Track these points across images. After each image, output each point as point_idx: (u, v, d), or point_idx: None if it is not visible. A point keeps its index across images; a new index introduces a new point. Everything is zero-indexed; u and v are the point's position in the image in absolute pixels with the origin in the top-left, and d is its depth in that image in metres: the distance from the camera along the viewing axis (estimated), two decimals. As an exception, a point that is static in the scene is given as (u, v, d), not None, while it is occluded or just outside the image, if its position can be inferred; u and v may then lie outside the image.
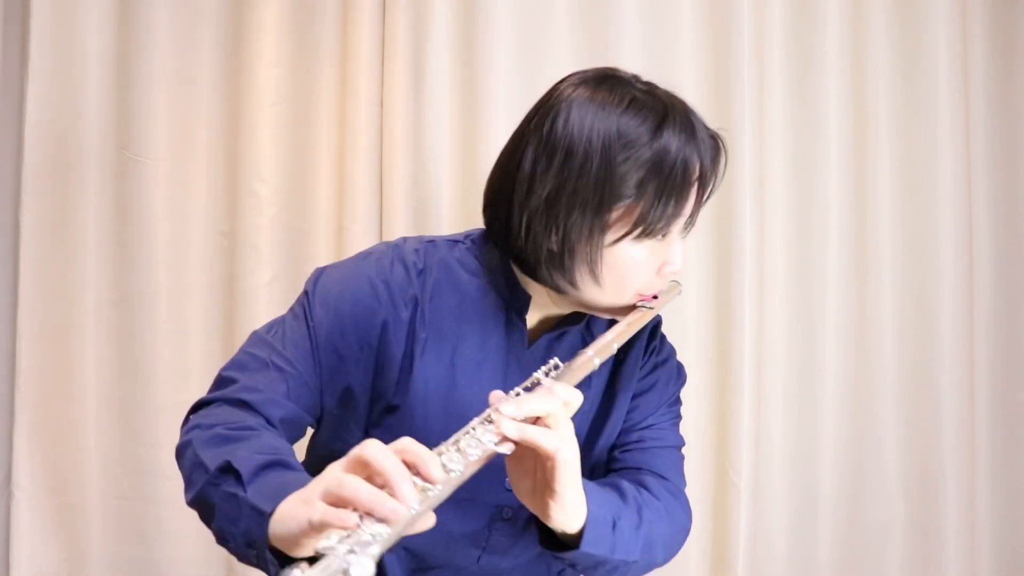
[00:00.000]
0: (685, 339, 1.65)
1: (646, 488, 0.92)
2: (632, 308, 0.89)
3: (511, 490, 0.83)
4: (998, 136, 1.77)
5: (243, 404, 0.81)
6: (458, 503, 0.89)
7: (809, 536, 1.71)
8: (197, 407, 0.84)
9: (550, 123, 0.83)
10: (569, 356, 0.84)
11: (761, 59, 1.66)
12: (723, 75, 1.63)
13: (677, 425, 1.03)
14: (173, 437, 0.89)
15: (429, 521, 0.64)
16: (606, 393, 0.97)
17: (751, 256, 1.61)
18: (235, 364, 0.86)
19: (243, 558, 0.71)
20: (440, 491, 0.65)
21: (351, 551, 0.57)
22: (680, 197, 0.82)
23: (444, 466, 0.66)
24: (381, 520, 0.60)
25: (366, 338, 0.88)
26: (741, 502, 1.62)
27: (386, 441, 0.69)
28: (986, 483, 1.78)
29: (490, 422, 0.70)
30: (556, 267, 0.85)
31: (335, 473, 0.65)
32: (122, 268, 1.63)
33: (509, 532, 0.95)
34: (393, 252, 0.93)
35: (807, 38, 1.68)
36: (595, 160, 0.79)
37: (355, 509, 0.61)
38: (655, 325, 1.02)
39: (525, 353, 0.92)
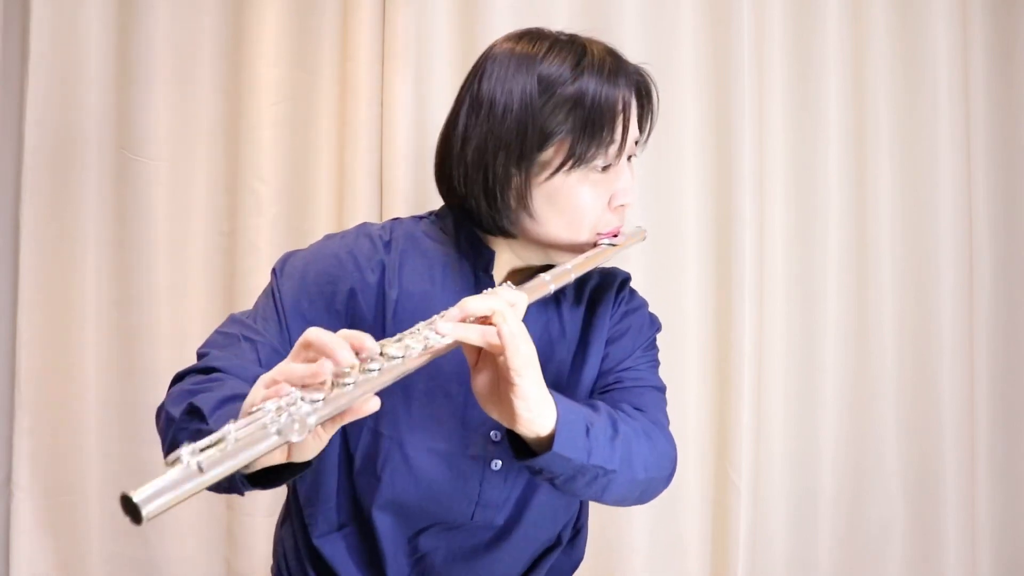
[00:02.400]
0: (685, 339, 1.65)
1: (621, 410, 0.91)
2: (594, 246, 0.92)
3: (498, 442, 0.85)
4: (998, 136, 1.77)
5: (215, 370, 0.83)
6: (447, 458, 0.90)
7: (809, 536, 1.71)
8: (173, 383, 0.85)
9: (478, 81, 0.89)
10: (540, 309, 0.89)
11: (761, 59, 1.66)
12: (723, 75, 1.63)
13: (655, 369, 1.03)
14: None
15: (372, 404, 0.65)
16: (580, 342, 0.99)
17: (751, 256, 1.61)
18: (209, 343, 0.88)
19: (214, 487, 0.73)
20: (380, 375, 0.65)
21: (280, 408, 0.58)
22: (606, 127, 0.86)
23: (385, 355, 0.67)
24: (319, 389, 0.61)
25: (333, 304, 0.90)
26: (741, 502, 1.62)
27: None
28: (986, 483, 1.78)
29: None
30: (495, 211, 0.89)
31: (277, 365, 0.67)
32: (122, 268, 1.63)
33: (500, 485, 0.95)
34: (358, 229, 0.98)
35: (807, 38, 1.69)
36: (516, 104, 0.85)
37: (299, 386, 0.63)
38: (623, 280, 1.05)
39: None
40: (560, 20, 1.62)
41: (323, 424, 0.67)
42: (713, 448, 1.67)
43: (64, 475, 1.63)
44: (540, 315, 0.97)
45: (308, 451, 0.70)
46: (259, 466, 0.70)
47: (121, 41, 1.62)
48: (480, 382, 0.77)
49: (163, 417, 0.80)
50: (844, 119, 1.69)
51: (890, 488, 1.72)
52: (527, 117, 0.85)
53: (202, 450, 0.54)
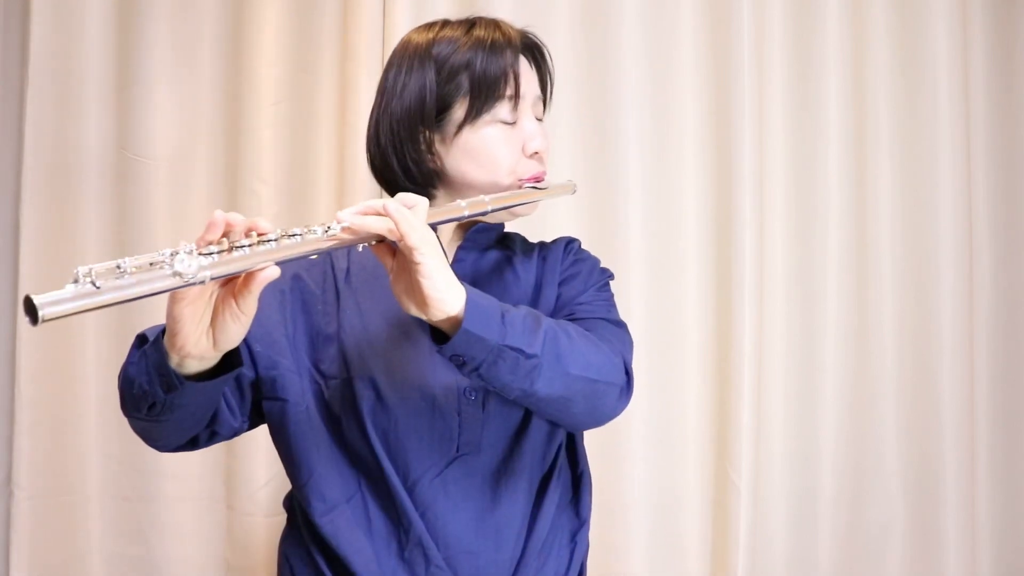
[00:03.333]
0: (685, 339, 1.65)
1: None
2: (518, 189, 0.99)
3: (466, 375, 0.86)
4: (998, 136, 1.77)
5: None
6: (422, 397, 0.94)
7: (809, 536, 1.71)
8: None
9: (385, 73, 1.00)
10: (492, 269, 0.98)
11: (761, 59, 1.66)
12: (723, 75, 1.63)
13: (609, 307, 1.04)
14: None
15: (270, 271, 0.72)
16: (534, 287, 1.03)
17: (751, 256, 1.61)
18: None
19: (152, 393, 0.79)
20: (277, 247, 0.72)
21: (175, 252, 0.66)
22: (499, 82, 0.95)
23: (285, 234, 0.74)
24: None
25: (279, 285, 0.94)
26: (741, 502, 1.62)
27: (339, 363, 0.93)
28: (986, 483, 1.78)
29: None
30: (416, 172, 0.98)
31: None
32: (122, 268, 1.63)
33: (479, 421, 0.96)
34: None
35: (807, 38, 1.69)
36: (416, 66, 0.95)
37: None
38: (572, 239, 1.10)
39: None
40: (560, 20, 1.62)
41: (238, 298, 0.74)
42: (713, 448, 1.67)
43: (64, 475, 1.64)
44: (493, 266, 1.02)
45: (231, 334, 0.76)
46: (191, 360, 0.77)
47: (121, 41, 1.62)
48: (397, 283, 0.80)
49: (120, 373, 0.85)
50: (844, 119, 1.69)
51: (890, 488, 1.72)
52: (426, 89, 0.95)
53: (98, 272, 0.62)
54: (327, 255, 0.99)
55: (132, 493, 1.64)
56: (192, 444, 0.95)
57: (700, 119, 1.66)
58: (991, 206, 1.78)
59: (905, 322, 1.71)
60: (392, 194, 0.97)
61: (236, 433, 0.97)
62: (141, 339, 0.84)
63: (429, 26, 1.00)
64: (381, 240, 0.79)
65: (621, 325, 1.02)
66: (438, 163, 0.97)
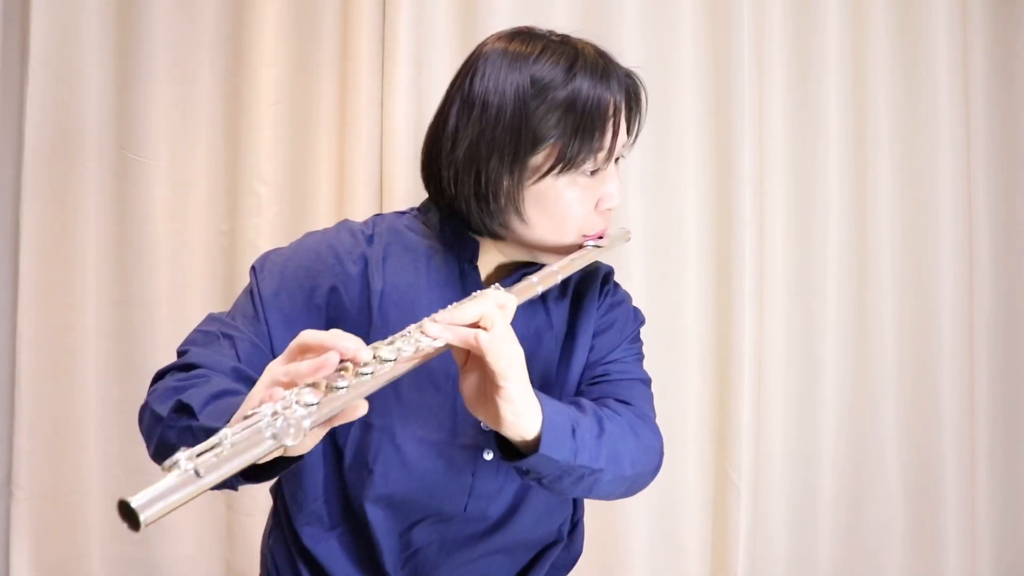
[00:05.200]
0: (685, 339, 1.65)
1: (607, 407, 0.92)
2: (579, 248, 0.93)
3: (489, 430, 0.85)
4: (998, 136, 1.77)
5: (195, 366, 0.82)
6: (438, 448, 0.91)
7: (809, 536, 1.71)
8: (154, 381, 0.85)
9: (469, 80, 0.89)
10: (526, 303, 0.89)
11: (761, 59, 1.66)
12: (723, 75, 1.63)
13: (640, 362, 1.04)
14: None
15: (361, 408, 0.66)
16: (567, 334, 1.00)
17: (751, 256, 1.61)
18: (188, 340, 0.89)
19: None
20: (372, 378, 0.66)
21: (275, 413, 0.59)
22: (597, 131, 0.87)
23: (378, 358, 0.68)
24: (314, 391, 0.63)
25: (312, 299, 0.90)
26: (741, 502, 1.62)
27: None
28: (986, 483, 1.78)
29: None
30: (485, 212, 0.89)
31: (272, 366, 0.68)
32: (122, 268, 1.63)
33: (493, 476, 0.95)
34: (339, 225, 0.98)
35: (807, 38, 1.69)
36: (509, 107, 0.86)
37: (291, 385, 0.64)
38: (607, 274, 1.06)
39: None
40: (560, 20, 1.62)
41: (323, 426, 0.67)
42: (713, 448, 1.67)
43: (64, 475, 1.63)
44: (526, 308, 0.97)
45: (300, 449, 0.70)
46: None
47: (121, 41, 1.62)
48: (468, 384, 0.78)
49: (147, 415, 0.80)
50: (844, 119, 1.69)
51: (890, 488, 1.72)
52: (520, 120, 0.86)
53: (199, 455, 0.55)
54: (364, 261, 0.93)
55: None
56: None
57: (700, 119, 1.66)
58: (991, 206, 1.78)
59: (905, 322, 1.71)
60: (438, 206, 0.94)
61: None
62: (182, 407, 0.75)
63: (524, 39, 0.90)
64: None
65: (648, 382, 1.02)
66: (516, 209, 0.89)
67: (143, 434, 0.81)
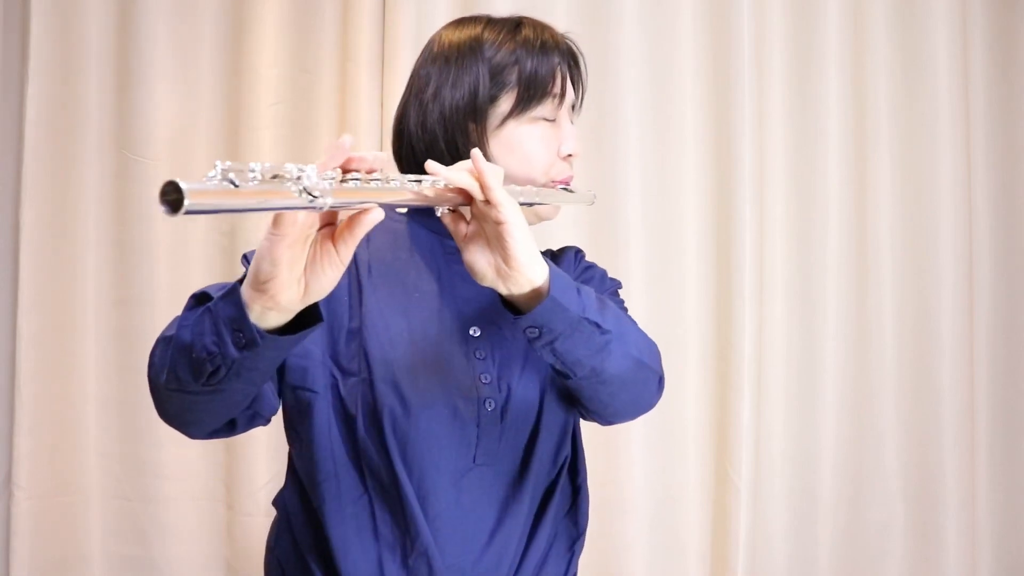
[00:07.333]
0: (685, 339, 1.65)
1: None
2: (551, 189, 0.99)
3: (488, 382, 0.89)
4: (998, 136, 1.77)
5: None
6: (444, 405, 0.92)
7: (809, 536, 1.71)
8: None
9: (427, 54, 1.00)
10: None
11: (761, 59, 1.66)
12: (723, 75, 1.63)
13: (626, 311, 1.05)
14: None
15: (376, 213, 0.69)
16: None
17: (751, 256, 1.61)
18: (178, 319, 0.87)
19: (220, 354, 0.73)
20: (382, 184, 0.68)
21: (302, 168, 0.59)
22: (548, 75, 0.96)
23: (387, 179, 0.70)
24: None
25: None
26: (741, 502, 1.62)
27: (360, 361, 0.90)
28: (986, 483, 1.78)
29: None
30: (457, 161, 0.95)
31: None
32: (122, 268, 1.63)
33: (497, 431, 0.95)
34: None
35: (807, 38, 1.69)
36: (467, 60, 0.96)
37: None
38: (578, 251, 1.10)
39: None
40: (560, 20, 1.61)
41: (338, 242, 0.70)
42: (713, 448, 1.67)
43: (64, 475, 1.63)
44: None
45: (325, 282, 0.71)
46: (275, 313, 0.71)
47: (121, 41, 1.62)
48: (471, 251, 0.79)
49: (156, 351, 0.80)
50: (844, 119, 1.69)
51: (890, 488, 1.72)
52: (478, 83, 0.95)
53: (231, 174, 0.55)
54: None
55: (132, 493, 1.64)
56: (230, 428, 0.89)
57: (700, 119, 1.66)
58: (991, 206, 1.78)
59: (905, 322, 1.71)
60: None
61: (273, 414, 0.94)
62: (199, 298, 0.78)
63: (472, 21, 1.00)
64: (453, 210, 0.79)
65: (632, 321, 1.02)
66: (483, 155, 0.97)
67: (152, 374, 0.80)
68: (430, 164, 0.78)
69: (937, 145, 1.69)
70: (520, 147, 0.97)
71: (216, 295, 0.75)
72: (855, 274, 1.71)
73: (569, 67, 1.01)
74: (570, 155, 1.00)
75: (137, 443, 1.63)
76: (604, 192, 1.63)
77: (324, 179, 0.62)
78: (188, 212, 0.52)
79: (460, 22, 1.01)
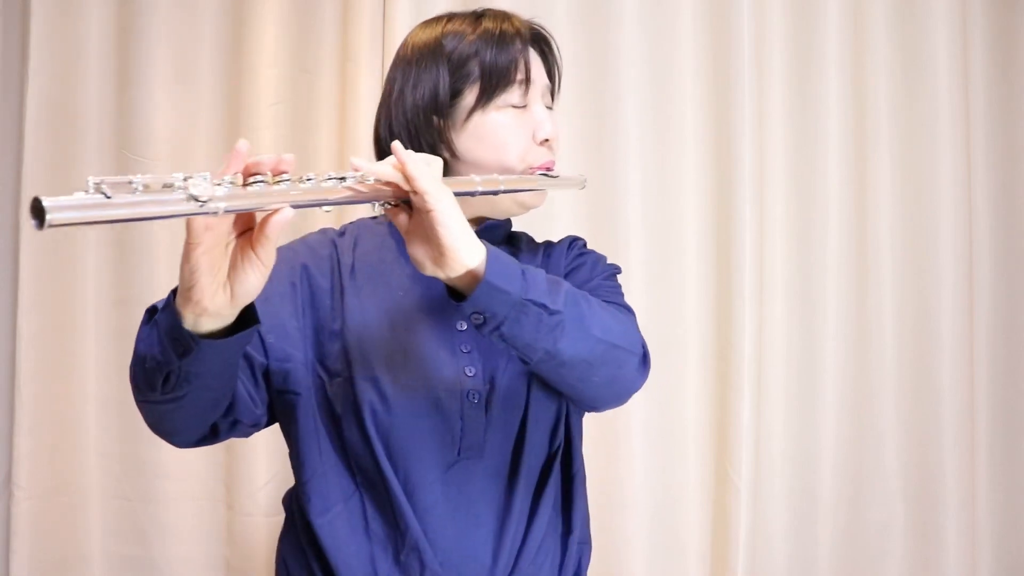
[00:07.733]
0: (685, 339, 1.65)
1: None
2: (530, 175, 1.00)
3: (472, 375, 0.90)
4: (998, 136, 1.77)
5: None
6: (425, 398, 0.93)
7: (809, 536, 1.71)
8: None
9: (395, 58, 1.01)
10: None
11: (761, 59, 1.66)
12: (723, 75, 1.63)
13: (618, 294, 1.06)
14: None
15: (285, 212, 0.71)
16: None
17: (751, 256, 1.61)
18: None
19: (165, 362, 0.78)
20: (290, 186, 0.70)
21: (189, 177, 0.62)
22: (510, 61, 0.96)
23: (301, 179, 0.72)
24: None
25: (289, 277, 0.95)
26: (741, 502, 1.62)
27: (342, 360, 0.92)
28: (986, 483, 1.78)
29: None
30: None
31: None
32: (122, 268, 1.63)
33: (482, 424, 0.95)
34: (312, 232, 1.06)
35: (807, 38, 1.69)
36: (427, 59, 0.96)
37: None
38: (575, 239, 1.09)
39: None
40: (560, 20, 1.62)
41: (256, 246, 0.72)
42: (713, 448, 1.67)
43: (64, 475, 1.64)
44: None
45: (250, 285, 0.74)
46: (206, 316, 0.74)
47: (121, 41, 1.62)
48: (412, 244, 0.80)
49: (132, 359, 0.84)
50: (844, 119, 1.69)
51: (890, 488, 1.72)
52: (439, 81, 0.96)
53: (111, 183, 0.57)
54: (333, 245, 1.00)
55: (132, 493, 1.64)
56: (213, 435, 0.92)
57: (700, 119, 1.66)
58: (991, 206, 1.78)
59: (905, 322, 1.71)
60: None
61: (258, 423, 0.95)
62: (150, 312, 0.82)
63: (436, 20, 1.00)
64: (395, 204, 0.79)
65: (631, 312, 1.02)
66: (451, 150, 0.97)
67: (132, 393, 0.86)
68: (354, 160, 0.78)
69: (937, 145, 1.69)
70: (490, 136, 0.96)
71: (161, 305, 0.79)
72: (855, 274, 1.71)
73: (541, 52, 1.01)
74: (547, 140, 0.99)
75: (137, 443, 1.63)
76: (604, 192, 1.64)
77: (220, 184, 0.64)
78: (52, 226, 0.54)
79: (426, 23, 1.02)
